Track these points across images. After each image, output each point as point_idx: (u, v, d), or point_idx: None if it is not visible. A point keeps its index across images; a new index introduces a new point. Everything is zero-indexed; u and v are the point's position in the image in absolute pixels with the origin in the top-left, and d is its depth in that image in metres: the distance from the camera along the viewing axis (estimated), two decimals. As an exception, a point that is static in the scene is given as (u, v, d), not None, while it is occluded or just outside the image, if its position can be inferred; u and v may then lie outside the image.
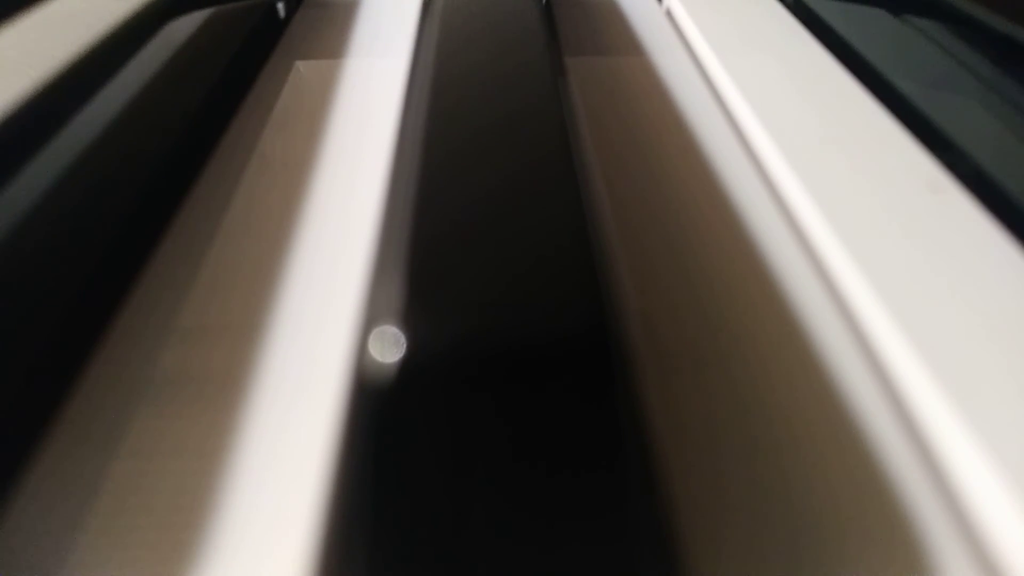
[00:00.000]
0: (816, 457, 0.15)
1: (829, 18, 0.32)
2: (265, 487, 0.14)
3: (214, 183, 0.23)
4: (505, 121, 0.22)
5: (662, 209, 0.22)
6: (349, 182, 0.23)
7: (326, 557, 0.13)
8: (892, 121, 0.24)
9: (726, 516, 0.14)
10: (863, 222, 0.20)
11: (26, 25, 0.30)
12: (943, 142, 0.23)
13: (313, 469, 0.15)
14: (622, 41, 0.33)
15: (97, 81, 0.26)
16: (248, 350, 0.17)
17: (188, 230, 0.21)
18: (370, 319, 0.16)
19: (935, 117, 0.24)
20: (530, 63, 0.25)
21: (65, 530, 0.14)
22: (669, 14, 0.36)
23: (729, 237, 0.21)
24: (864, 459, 0.15)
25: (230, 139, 0.26)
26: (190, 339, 0.18)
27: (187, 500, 0.14)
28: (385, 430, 0.13)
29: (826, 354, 0.17)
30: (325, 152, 0.25)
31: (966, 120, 0.25)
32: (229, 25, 0.32)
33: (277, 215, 0.22)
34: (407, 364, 0.14)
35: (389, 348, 0.14)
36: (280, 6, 0.36)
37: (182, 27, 0.31)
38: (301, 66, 0.31)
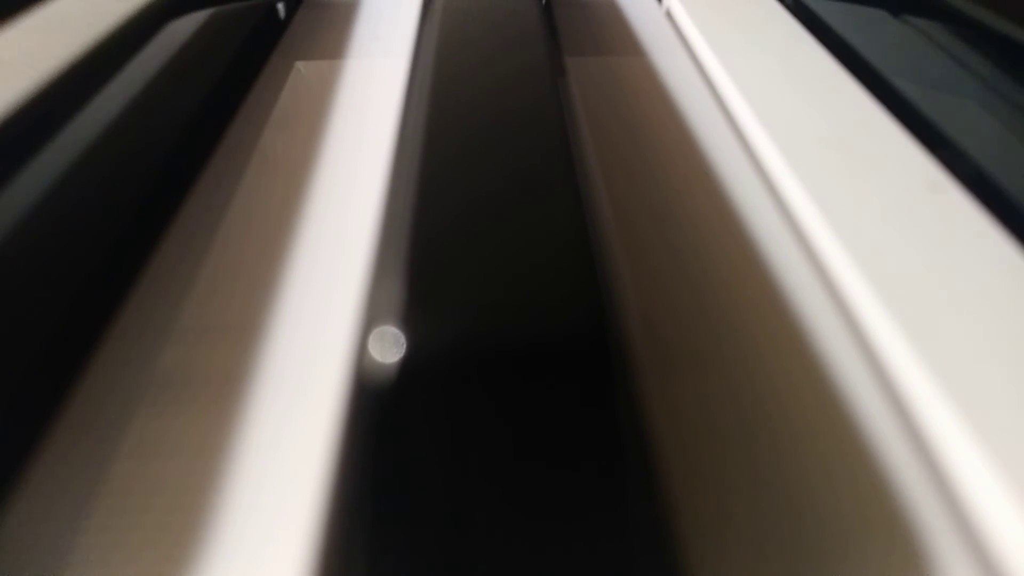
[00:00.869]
0: (816, 457, 0.15)
1: (829, 18, 0.32)
2: (265, 487, 0.14)
3: (214, 183, 0.23)
4: (505, 121, 0.22)
5: (662, 209, 0.22)
6: (349, 182, 0.23)
7: (326, 557, 0.13)
8: (892, 121, 0.24)
9: (726, 517, 0.14)
10: (863, 222, 0.20)
11: (26, 25, 0.30)
12: (943, 142, 0.23)
13: (313, 469, 0.15)
14: (622, 41, 0.33)
15: (97, 81, 0.26)
16: (248, 350, 0.17)
17: (188, 230, 0.21)
18: (370, 319, 0.16)
19: (935, 117, 0.24)
20: (530, 63, 0.25)
21: (65, 530, 0.14)
22: (669, 14, 0.36)
23: (729, 237, 0.21)
24: (864, 459, 0.15)
25: (230, 139, 0.26)
26: (190, 339, 0.18)
27: (187, 500, 0.14)
28: (385, 430, 0.13)
29: (826, 354, 0.17)
30: (325, 152, 0.25)
31: (966, 120, 0.25)
32: (229, 25, 0.32)
33: (277, 215, 0.22)
34: (407, 364, 0.14)
35: (389, 348, 0.14)
36: (280, 6, 0.36)
37: (182, 27, 0.31)
38: (301, 66, 0.31)
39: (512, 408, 0.13)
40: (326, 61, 0.31)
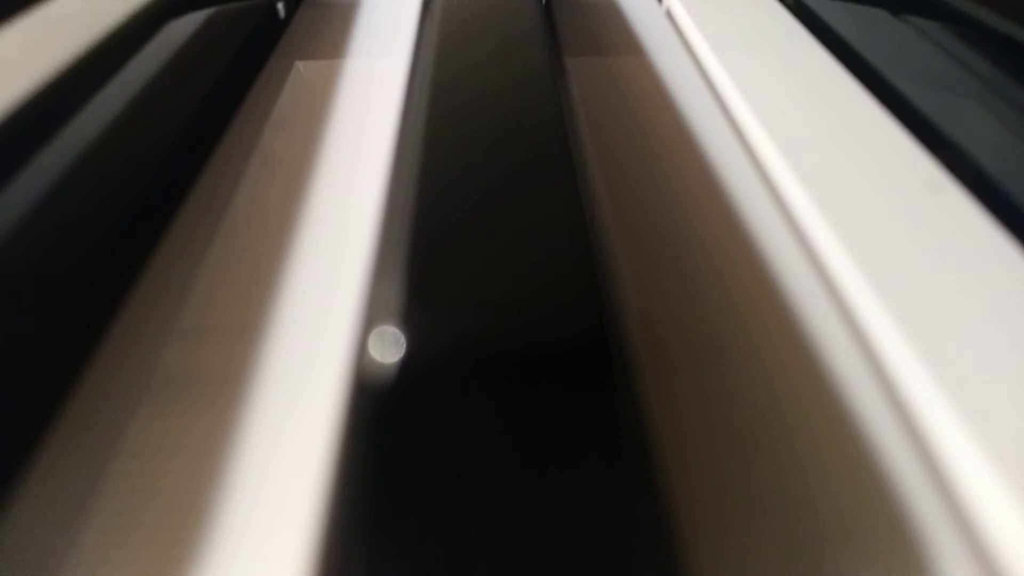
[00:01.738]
0: (816, 457, 0.15)
1: (829, 18, 0.32)
2: (265, 487, 0.14)
3: (214, 183, 0.23)
4: (505, 121, 0.22)
5: (662, 209, 0.22)
6: (349, 182, 0.23)
7: (326, 557, 0.13)
8: (892, 121, 0.24)
9: (726, 517, 0.14)
10: (863, 222, 0.20)
11: (26, 25, 0.30)
12: (943, 142, 0.23)
13: (313, 469, 0.15)
14: (622, 41, 0.33)
15: (97, 81, 0.26)
16: (248, 350, 0.17)
17: (188, 230, 0.21)
18: (370, 319, 0.16)
19: (935, 117, 0.24)
20: (530, 63, 0.25)
21: (65, 530, 0.14)
22: (669, 14, 0.36)
23: (729, 237, 0.21)
24: (864, 459, 0.15)
25: (230, 139, 0.26)
26: (190, 339, 0.18)
27: (187, 500, 0.14)
28: (385, 430, 0.13)
29: (826, 354, 0.17)
30: (325, 152, 0.25)
31: (966, 120, 0.25)
32: (229, 25, 0.32)
33: (277, 215, 0.22)
34: (407, 364, 0.14)
35: (389, 348, 0.14)
36: (280, 6, 0.36)
37: (182, 27, 0.31)
38: (301, 66, 0.31)
39: (512, 408, 0.13)
40: (326, 61, 0.31)
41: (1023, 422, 0.14)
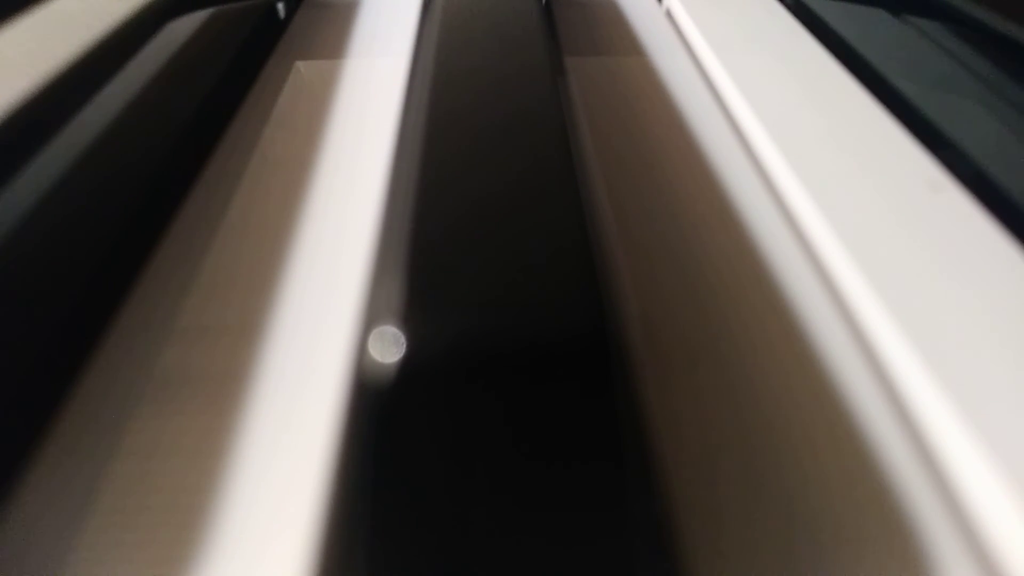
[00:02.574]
0: (815, 457, 0.15)
1: (829, 18, 0.32)
2: (265, 487, 0.14)
3: (214, 183, 0.23)
4: (505, 121, 0.22)
5: (662, 209, 0.22)
6: (349, 182, 0.23)
7: (325, 557, 0.13)
8: (892, 121, 0.24)
9: (725, 517, 0.14)
10: (863, 222, 0.20)
11: (26, 25, 0.30)
12: (943, 142, 0.23)
13: (312, 469, 0.15)
14: (622, 41, 0.33)
15: (97, 81, 0.26)
16: (248, 350, 0.17)
17: (188, 230, 0.21)
18: (370, 319, 0.16)
19: (935, 117, 0.24)
20: (530, 63, 0.25)
21: (65, 530, 0.14)
22: (669, 14, 0.36)
23: (729, 237, 0.21)
24: (864, 459, 0.15)
25: (230, 139, 0.26)
26: (190, 339, 0.18)
27: (187, 500, 0.14)
28: (384, 430, 0.13)
29: (826, 354, 0.17)
30: (325, 152, 0.25)
31: (966, 120, 0.25)
32: (229, 25, 0.32)
33: (277, 215, 0.22)
34: (407, 364, 0.14)
35: (389, 348, 0.14)
36: (280, 6, 0.36)
37: (182, 27, 0.31)
38: (301, 66, 0.31)
39: (511, 408, 0.13)
40: (326, 61, 0.31)
41: (1023, 422, 0.14)
